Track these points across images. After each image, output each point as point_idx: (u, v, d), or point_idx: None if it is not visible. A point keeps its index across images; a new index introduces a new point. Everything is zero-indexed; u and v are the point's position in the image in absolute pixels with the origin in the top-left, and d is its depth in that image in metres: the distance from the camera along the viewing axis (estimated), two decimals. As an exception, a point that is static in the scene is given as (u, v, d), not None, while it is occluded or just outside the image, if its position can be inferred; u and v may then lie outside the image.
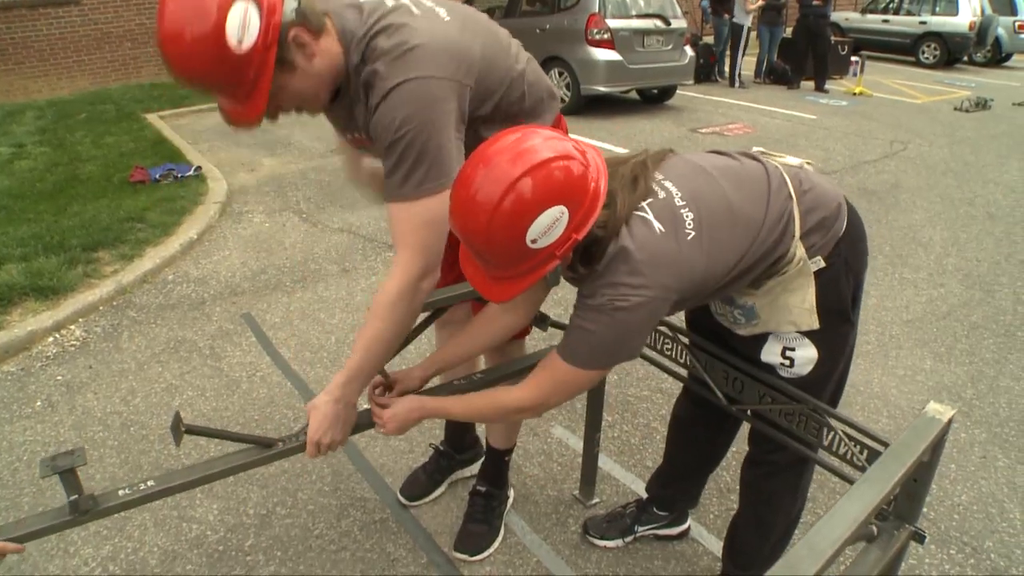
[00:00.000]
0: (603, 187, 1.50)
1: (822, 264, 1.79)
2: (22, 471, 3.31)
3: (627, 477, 3.10)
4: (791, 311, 1.83)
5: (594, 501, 2.96)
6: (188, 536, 2.83)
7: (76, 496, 1.65)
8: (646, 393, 3.66)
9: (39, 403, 3.83)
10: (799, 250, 1.75)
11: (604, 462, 3.13)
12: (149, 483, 1.80)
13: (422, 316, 2.24)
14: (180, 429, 1.71)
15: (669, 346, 2.38)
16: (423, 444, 3.28)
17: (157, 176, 6.91)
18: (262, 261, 5.27)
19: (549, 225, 1.41)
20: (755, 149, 1.97)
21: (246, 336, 4.23)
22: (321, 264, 5.17)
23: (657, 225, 1.57)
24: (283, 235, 5.74)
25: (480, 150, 1.45)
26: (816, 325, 1.83)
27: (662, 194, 1.62)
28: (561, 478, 3.09)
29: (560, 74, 10.19)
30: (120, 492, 1.76)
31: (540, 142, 1.43)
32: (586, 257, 1.57)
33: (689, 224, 1.60)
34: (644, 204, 1.59)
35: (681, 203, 1.62)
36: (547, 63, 10.28)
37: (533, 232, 1.41)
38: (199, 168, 7.14)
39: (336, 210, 6.28)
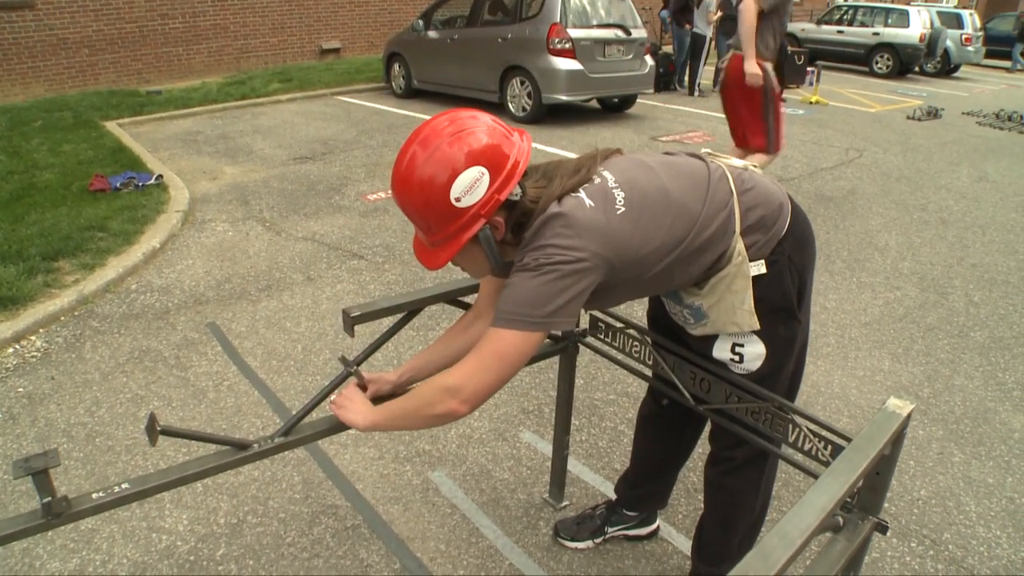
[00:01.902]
0: (525, 161, 1.66)
1: (763, 270, 1.85)
2: (-15, 486, 3.27)
3: (596, 479, 3.13)
4: (734, 312, 1.89)
5: (564, 504, 2.98)
6: (158, 547, 2.80)
7: (49, 499, 1.61)
8: (612, 397, 3.70)
9: (0, 416, 3.77)
10: (739, 245, 1.81)
11: (573, 465, 3.16)
12: (124, 486, 1.78)
13: (398, 316, 2.27)
14: (156, 429, 1.70)
15: (636, 347, 2.42)
16: (392, 451, 3.29)
17: (118, 184, 6.82)
18: (226, 270, 5.22)
19: (471, 184, 1.58)
20: (703, 151, 2.02)
21: (212, 345, 4.19)
22: (286, 273, 5.15)
23: (588, 201, 1.65)
24: (247, 244, 5.70)
25: (416, 130, 1.64)
26: (757, 326, 1.90)
27: (598, 180, 1.71)
28: (531, 482, 3.12)
29: (522, 83, 10.25)
30: (94, 495, 1.73)
31: (467, 117, 1.64)
32: (518, 228, 1.68)
33: (620, 201, 1.67)
34: (581, 188, 1.68)
35: (614, 185, 1.70)
36: (508, 72, 10.35)
37: (456, 190, 1.57)
38: (160, 176, 7.06)
39: (299, 219, 6.25)
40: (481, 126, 1.62)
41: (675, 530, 2.86)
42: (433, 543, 2.78)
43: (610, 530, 2.77)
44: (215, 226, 6.11)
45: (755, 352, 1.96)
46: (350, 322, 2.16)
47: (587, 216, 1.62)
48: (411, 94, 12.15)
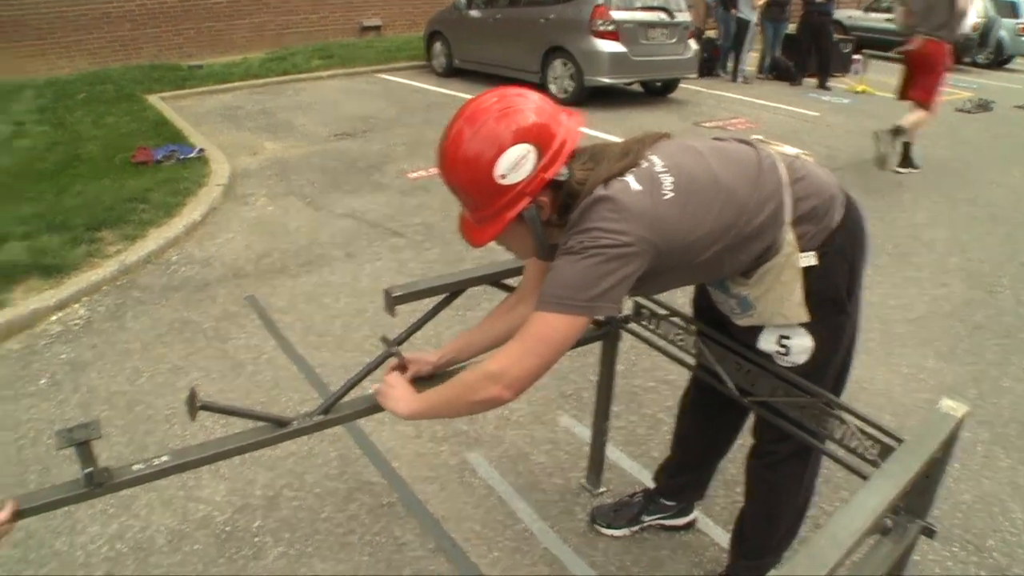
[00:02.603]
0: (573, 141, 1.65)
1: (813, 261, 1.81)
2: (27, 449, 3.31)
3: (633, 467, 3.11)
4: (782, 303, 1.85)
5: (601, 490, 2.96)
6: (195, 516, 2.83)
7: (91, 469, 1.65)
8: (652, 384, 3.67)
9: (43, 381, 3.83)
10: (789, 235, 1.77)
11: (611, 451, 3.13)
12: (164, 458, 1.80)
13: (439, 298, 2.26)
14: (195, 404, 1.72)
15: (681, 336, 2.39)
16: (430, 430, 3.29)
17: (160, 157, 6.89)
18: (266, 244, 5.25)
19: (517, 161, 1.57)
20: (753, 137, 1.98)
21: (251, 319, 4.22)
22: (326, 249, 5.16)
23: (635, 185, 1.62)
24: (287, 219, 5.72)
25: (463, 106, 1.64)
26: (805, 318, 1.86)
27: (645, 164, 1.68)
28: (568, 466, 3.10)
29: (564, 64, 10.16)
30: (135, 467, 1.75)
31: (515, 95, 1.63)
32: (564, 210, 1.66)
33: (667, 186, 1.64)
34: (628, 171, 1.65)
35: (662, 169, 1.67)
36: (550, 53, 10.26)
37: (502, 166, 1.57)
38: (202, 150, 7.12)
39: (340, 195, 6.26)
40: (529, 104, 1.62)
41: (712, 522, 2.83)
42: (468, 524, 2.78)
43: (647, 519, 2.75)
44: (255, 200, 6.14)
45: (802, 345, 1.92)
46: (391, 302, 2.16)
47: (634, 200, 1.60)
48: (452, 73, 12.11)
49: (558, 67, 10.26)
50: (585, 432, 3.18)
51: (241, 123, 8.81)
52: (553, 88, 10.36)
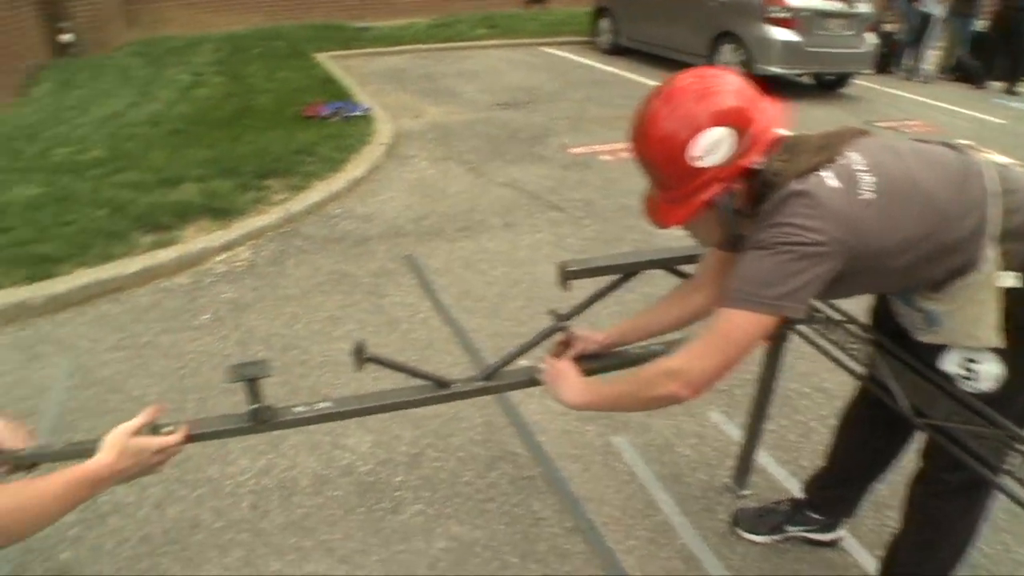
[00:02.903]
0: (773, 130, 1.57)
1: (1017, 283, 1.64)
2: (188, 378, 3.43)
3: (781, 473, 2.91)
4: (975, 325, 1.68)
5: (746, 492, 2.80)
6: (339, 463, 2.86)
7: (257, 406, 1.70)
8: (807, 390, 3.44)
9: (206, 316, 3.95)
10: (990, 252, 1.61)
11: (759, 454, 2.96)
12: (325, 404, 1.85)
13: (613, 277, 2.19)
14: (363, 356, 1.75)
15: (854, 345, 2.17)
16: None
17: (327, 113, 7.06)
18: (426, 206, 5.27)
19: (713, 144, 1.51)
20: (961, 142, 1.78)
21: (408, 277, 4.23)
22: (485, 216, 5.12)
23: (833, 182, 1.54)
24: (447, 183, 5.72)
25: (661, 84, 1.59)
26: (1000, 344, 1.67)
27: (843, 160, 1.59)
28: (714, 463, 2.94)
29: (734, 50, 9.78)
30: (296, 408, 1.80)
31: (716, 76, 1.58)
32: (756, 201, 1.59)
33: (866, 186, 1.55)
34: (826, 166, 1.57)
35: (861, 168, 1.58)
36: (720, 38, 9.89)
37: (697, 148, 1.51)
38: (368, 108, 7.24)
39: (501, 164, 6.22)
40: (730, 86, 1.56)
41: (858, 543, 2.60)
42: (608, 508, 2.69)
43: (791, 529, 2.58)
44: (417, 162, 6.18)
45: (991, 372, 1.72)
46: (567, 275, 2.11)
47: (830, 197, 1.51)
48: (617, 51, 11.87)
49: (727, 53, 9.87)
50: (734, 430, 3.05)
51: (405, 86, 8.93)
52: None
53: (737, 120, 1.52)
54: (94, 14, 11.19)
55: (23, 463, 1.66)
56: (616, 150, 6.51)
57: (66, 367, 3.57)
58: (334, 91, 8.12)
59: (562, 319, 2.08)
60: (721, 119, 1.51)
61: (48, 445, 1.73)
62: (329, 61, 10.13)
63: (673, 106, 1.54)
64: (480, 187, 5.69)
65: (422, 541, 2.52)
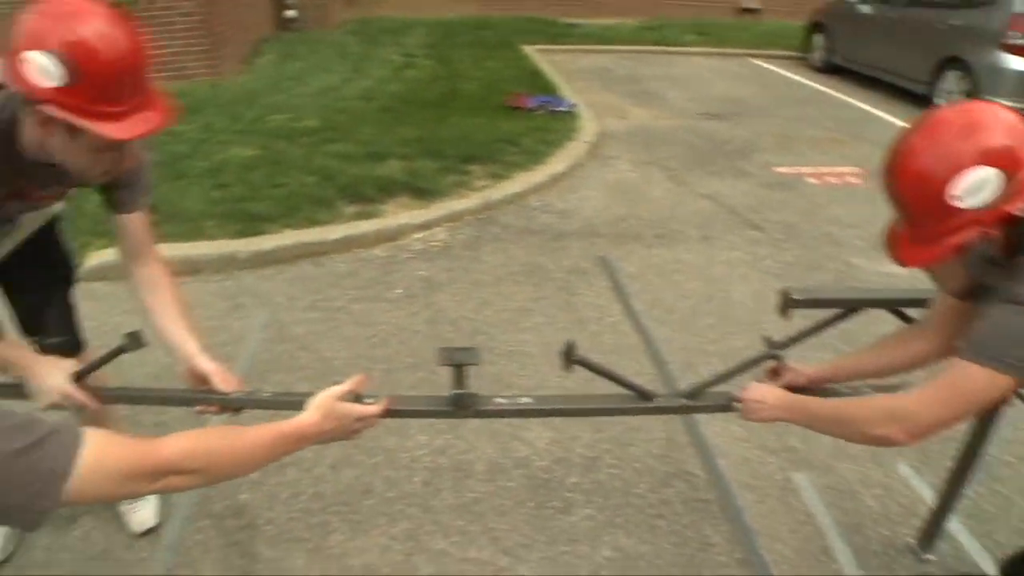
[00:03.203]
0: None
1: None
2: (377, 347, 3.53)
3: (972, 544, 2.64)
4: None
5: (930, 557, 2.56)
6: (516, 455, 2.85)
7: (461, 391, 1.70)
8: (1011, 460, 3.11)
9: (399, 291, 4.05)
10: None
11: (949, 519, 2.71)
12: (526, 399, 1.83)
13: (833, 311, 2.08)
14: (572, 357, 1.71)
15: None
16: (761, 437, 3.03)
17: (533, 105, 7.11)
18: (624, 209, 5.19)
19: (976, 185, 1.37)
20: None
21: (600, 279, 4.17)
22: (682, 226, 4.99)
23: None
24: (647, 188, 5.62)
25: (922, 115, 1.49)
26: None
27: None
28: (898, 520, 2.71)
29: (960, 78, 9.06)
30: (497, 399, 1.78)
31: (984, 111, 1.44)
32: (1013, 251, 1.47)
33: None
34: None
35: None
36: (945, 64, 9.15)
37: (957, 187, 1.38)
38: (574, 105, 7.23)
39: (702, 175, 6.05)
40: (1001, 123, 1.41)
41: None
42: (780, 546, 2.54)
43: None
44: (618, 164, 6.12)
45: None
46: (789, 304, 2.01)
47: None
48: (830, 69, 11.30)
49: (951, 80, 9.13)
50: (923, 486, 2.80)
51: (611, 86, 8.89)
52: (940, 104, 9.31)
53: (1006, 161, 1.38)
54: (317, -8, 11.87)
55: (231, 406, 1.74)
56: (823, 174, 6.19)
57: (263, 320, 3.76)
58: (540, 84, 8.18)
59: (775, 347, 1.96)
60: (988, 158, 1.38)
61: (256, 392, 1.79)
62: (536, 54, 10.23)
63: (934, 140, 1.43)
64: (680, 196, 5.56)
65: (587, 546, 2.47)
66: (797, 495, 2.77)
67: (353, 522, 2.56)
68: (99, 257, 3.93)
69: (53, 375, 1.73)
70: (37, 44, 1.37)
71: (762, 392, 1.78)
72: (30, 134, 1.56)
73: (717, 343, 3.58)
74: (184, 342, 1.82)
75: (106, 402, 1.86)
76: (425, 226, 4.75)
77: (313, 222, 4.72)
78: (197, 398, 1.77)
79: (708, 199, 5.54)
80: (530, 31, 11.81)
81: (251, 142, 6.31)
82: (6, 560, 2.42)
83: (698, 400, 1.93)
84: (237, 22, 9.54)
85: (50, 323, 2.35)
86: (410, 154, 5.72)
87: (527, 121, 6.74)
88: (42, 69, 1.37)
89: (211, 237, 4.54)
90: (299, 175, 5.40)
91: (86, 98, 1.41)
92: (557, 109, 7.07)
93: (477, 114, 6.92)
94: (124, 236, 1.94)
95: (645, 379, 2.00)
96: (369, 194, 5.04)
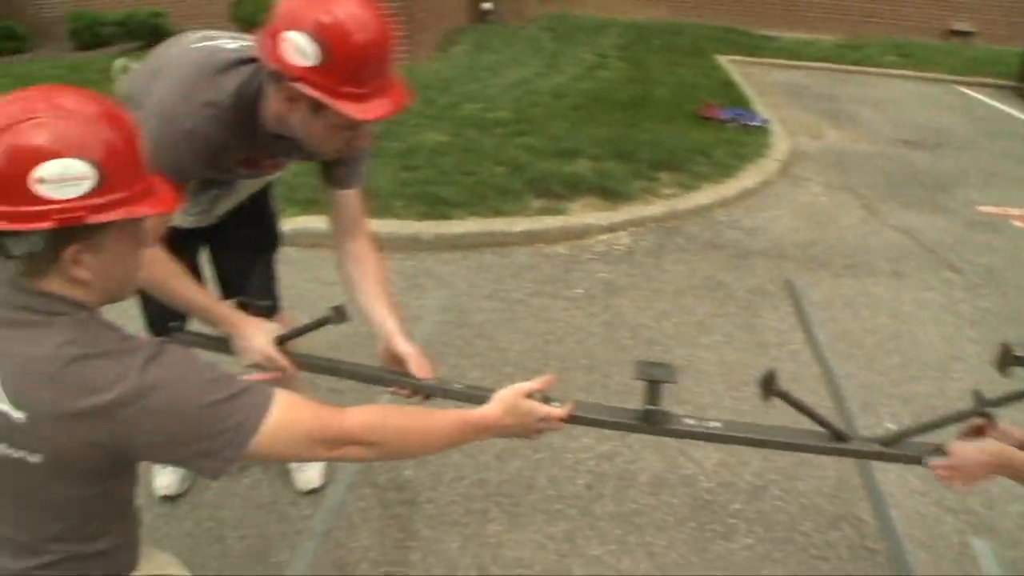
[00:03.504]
0: None
1: None
2: (552, 344, 3.62)
3: None
4: None
5: None
6: (681, 471, 2.83)
7: (652, 407, 1.66)
8: None
9: (579, 291, 4.13)
10: None
11: None
12: (715, 424, 1.78)
13: None
14: (772, 388, 1.64)
15: None
16: (939, 492, 2.85)
17: (725, 117, 7.02)
18: (813, 233, 5.06)
19: None
20: None
21: (784, 303, 4.09)
22: (873, 257, 4.81)
23: None
24: (839, 214, 5.45)
25: None
26: None
27: None
28: None
29: None
30: (686, 420, 1.74)
31: None
32: None
33: None
34: None
35: None
36: None
37: None
38: (767, 120, 7.09)
39: (897, 206, 5.80)
40: None
41: None
42: None
43: None
44: (810, 186, 5.95)
45: None
46: (1010, 361, 1.86)
47: None
48: (1050, 104, 10.47)
49: None
50: None
51: (805, 103, 8.63)
52: None
53: None
54: (515, -14, 12.14)
55: (422, 391, 1.79)
56: (1034, 218, 5.80)
57: (442, 302, 3.92)
58: (733, 96, 8.06)
59: (986, 404, 1.85)
60: None
61: (446, 382, 1.82)
62: (729, 65, 10.08)
63: None
64: (872, 226, 5.35)
65: (745, 577, 2.43)
66: (975, 563, 2.60)
67: (512, 514, 2.61)
68: (291, 224, 4.18)
69: (258, 336, 1.82)
70: (295, 24, 1.46)
71: (961, 457, 1.67)
72: (274, 108, 1.66)
73: (900, 386, 3.44)
74: (385, 320, 1.87)
75: (302, 369, 1.93)
76: (610, 228, 4.81)
77: (498, 212, 4.86)
78: (390, 379, 1.84)
79: (902, 232, 5.31)
80: (724, 40, 11.63)
81: (443, 128, 6.56)
82: (181, 495, 2.64)
83: (895, 449, 1.83)
84: (436, 10, 9.91)
85: (254, 285, 2.46)
86: (600, 154, 5.78)
87: (719, 132, 6.66)
88: (298, 48, 1.46)
89: (398, 216, 4.77)
90: (489, 164, 5.57)
91: (335, 79, 1.49)
92: (749, 123, 6.95)
93: (668, 120, 6.91)
94: (338, 210, 2.00)
95: (834, 415, 1.95)
96: (557, 190, 5.14)
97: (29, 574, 1.20)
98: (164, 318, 1.99)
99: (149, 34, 11.77)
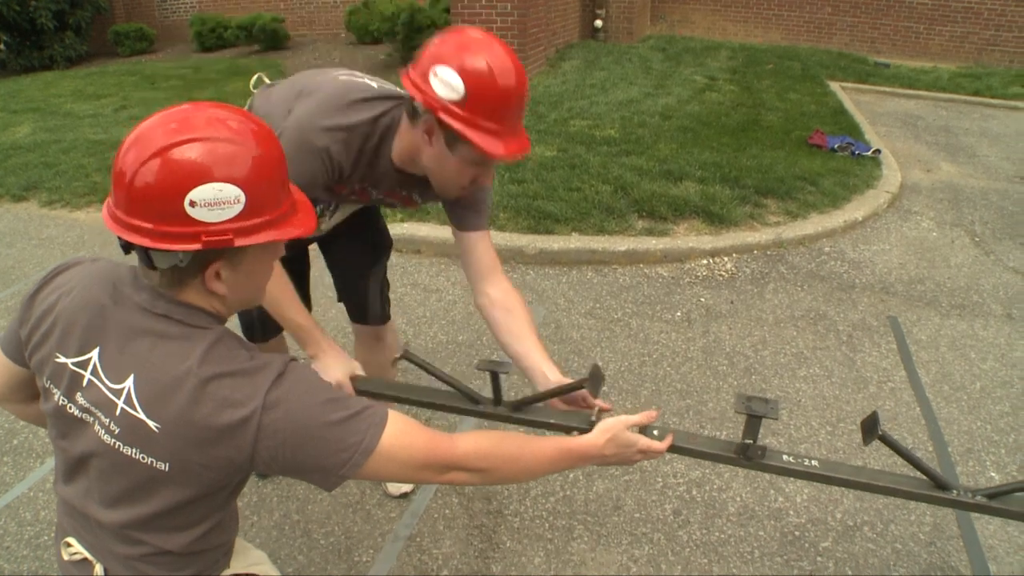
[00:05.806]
0: None
1: None
2: (648, 366, 3.67)
3: None
4: None
5: None
6: (771, 505, 2.83)
7: (750, 442, 1.68)
8: None
9: (679, 313, 4.16)
10: None
11: None
12: (814, 462, 1.77)
13: None
14: (875, 432, 1.63)
15: None
16: None
17: (835, 146, 6.90)
18: (921, 270, 4.94)
19: None
20: None
21: (887, 339, 4.02)
22: (984, 298, 4.67)
23: None
24: (949, 251, 5.30)
25: None
26: None
27: None
28: None
29: None
30: (785, 456, 1.74)
31: None
32: None
33: None
34: None
35: None
36: None
37: None
38: (878, 151, 6.93)
39: (1014, 246, 5.60)
40: None
41: None
42: None
43: None
44: (920, 221, 5.80)
45: None
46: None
47: None
48: None
49: None
50: None
51: (919, 134, 8.39)
52: None
53: None
54: (627, 6, 12.18)
55: (513, 420, 1.82)
56: None
57: (540, 317, 4.00)
58: (844, 124, 7.89)
59: None
60: None
61: (546, 413, 1.85)
62: (841, 92, 9.86)
63: None
64: (985, 265, 5.19)
65: (831, 618, 2.40)
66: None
67: (598, 534, 2.66)
68: (395, 230, 4.26)
69: (333, 369, 1.85)
70: (444, 60, 1.58)
71: None
72: (407, 141, 1.78)
73: (1007, 434, 3.34)
74: (547, 371, 1.89)
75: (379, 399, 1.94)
76: (713, 253, 4.83)
77: (601, 230, 4.94)
78: (453, 405, 1.86)
79: (1018, 274, 5.13)
80: (837, 66, 11.37)
81: (551, 143, 6.67)
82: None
83: (1000, 503, 1.78)
84: (548, 26, 10.06)
85: (368, 293, 2.59)
86: (706, 177, 5.78)
87: (828, 161, 6.56)
88: (445, 82, 1.58)
89: (502, 228, 4.90)
90: (594, 182, 5.64)
91: (477, 114, 1.60)
92: (860, 153, 6.82)
93: (777, 147, 6.84)
94: (469, 255, 2.04)
95: (926, 453, 1.91)
96: (661, 212, 5.18)
97: (131, 564, 1.27)
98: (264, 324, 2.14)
99: (268, 39, 12.36)
